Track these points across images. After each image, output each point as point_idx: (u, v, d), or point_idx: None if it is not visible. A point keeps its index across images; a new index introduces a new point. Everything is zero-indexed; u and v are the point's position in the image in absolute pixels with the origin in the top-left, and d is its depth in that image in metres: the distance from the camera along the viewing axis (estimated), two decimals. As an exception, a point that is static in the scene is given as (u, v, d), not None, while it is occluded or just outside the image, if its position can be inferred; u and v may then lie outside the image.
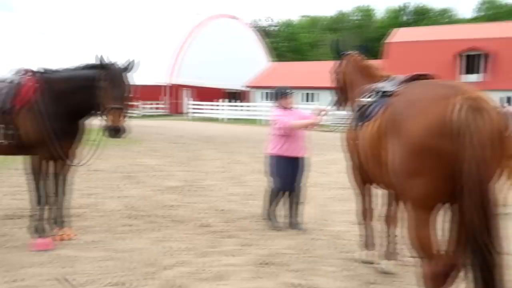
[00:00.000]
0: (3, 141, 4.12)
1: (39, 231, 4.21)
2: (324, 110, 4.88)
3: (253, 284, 3.53)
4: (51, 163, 4.33)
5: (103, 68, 3.96)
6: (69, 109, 4.11)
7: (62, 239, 4.39)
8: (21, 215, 5.26)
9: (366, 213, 3.96)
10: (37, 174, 4.18)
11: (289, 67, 36.82)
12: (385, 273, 3.71)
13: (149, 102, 32.65)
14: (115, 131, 3.90)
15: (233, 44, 39.09)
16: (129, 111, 4.16)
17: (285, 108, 5.02)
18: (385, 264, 3.76)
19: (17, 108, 4.10)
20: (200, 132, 17.84)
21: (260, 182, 7.43)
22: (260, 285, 3.52)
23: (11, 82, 4.18)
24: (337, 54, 4.34)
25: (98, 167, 8.66)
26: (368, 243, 3.98)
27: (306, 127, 4.96)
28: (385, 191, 3.70)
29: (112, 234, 4.68)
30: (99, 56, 3.99)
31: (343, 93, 4.28)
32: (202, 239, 4.57)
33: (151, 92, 33.53)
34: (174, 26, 37.48)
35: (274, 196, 5.01)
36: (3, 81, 4.29)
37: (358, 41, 35.44)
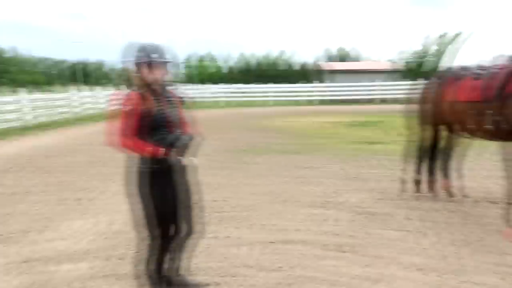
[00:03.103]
0: (491, 127, 4.19)
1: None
2: None
3: None
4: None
5: None
6: None
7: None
8: (503, 201, 5.27)
9: None
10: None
11: None
12: None
13: None
14: None
15: None
16: None
17: None
18: None
19: (507, 94, 4.04)
20: None
21: None
22: None
23: (506, 67, 4.15)
24: None
25: None
26: None
27: None
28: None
29: None
30: None
31: None
32: None
33: None
34: None
35: None
36: (496, 67, 4.35)
37: None
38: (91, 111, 18.42)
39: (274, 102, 26.48)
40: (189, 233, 2.97)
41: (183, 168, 2.82)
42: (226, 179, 6.73)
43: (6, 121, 13.06)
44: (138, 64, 2.63)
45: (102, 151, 9.46)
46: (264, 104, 25.76)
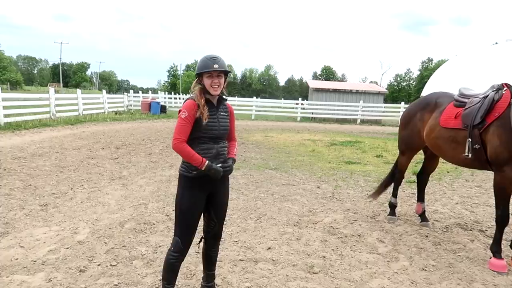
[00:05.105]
0: (469, 154, 4.23)
1: (494, 251, 4.07)
2: None
3: None
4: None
5: None
6: None
7: (518, 267, 4.05)
8: (472, 227, 5.32)
9: None
10: (502, 192, 4.02)
11: None
12: None
13: None
14: None
15: None
16: None
17: None
18: None
19: (486, 124, 4.09)
20: None
21: None
22: None
23: (486, 97, 4.22)
24: None
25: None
26: None
27: None
28: None
29: None
30: None
31: None
32: None
33: None
34: None
35: None
36: (477, 96, 4.42)
37: None
38: (68, 114, 17.97)
39: (256, 116, 26.49)
40: (219, 237, 3.16)
41: (220, 178, 2.93)
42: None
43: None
44: (200, 74, 2.79)
45: (74, 155, 9.20)
46: (246, 117, 25.74)
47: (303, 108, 28.47)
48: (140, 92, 33.89)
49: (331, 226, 5.12)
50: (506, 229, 4.16)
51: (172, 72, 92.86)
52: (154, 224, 4.89)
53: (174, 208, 3.01)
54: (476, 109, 4.22)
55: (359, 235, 4.84)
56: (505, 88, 4.14)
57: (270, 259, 4.02)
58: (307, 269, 3.84)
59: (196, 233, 2.98)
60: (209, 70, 2.74)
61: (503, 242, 4.13)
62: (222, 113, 2.91)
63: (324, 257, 4.15)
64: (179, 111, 2.80)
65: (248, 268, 3.81)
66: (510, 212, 4.08)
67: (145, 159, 9.26)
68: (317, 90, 29.82)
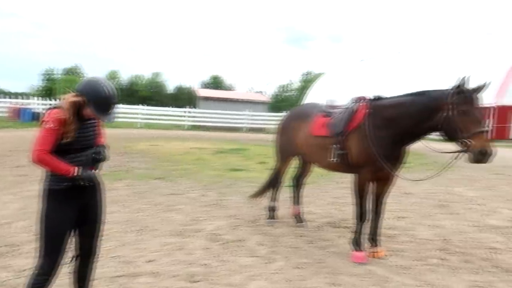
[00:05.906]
0: (335, 159, 4.75)
1: (356, 245, 4.61)
2: None
3: None
4: (372, 184, 4.67)
5: (458, 91, 3.85)
6: (397, 134, 4.30)
7: (373, 257, 4.64)
8: (340, 225, 5.94)
9: None
10: (360, 192, 4.59)
11: None
12: None
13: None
14: (483, 155, 3.75)
15: None
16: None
17: None
18: None
19: (348, 132, 4.65)
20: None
21: None
22: None
23: (348, 108, 4.79)
24: None
25: (410, 190, 8.66)
26: None
27: None
28: None
29: (422, 263, 4.52)
30: (461, 79, 3.85)
31: None
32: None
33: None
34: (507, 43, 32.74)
35: None
36: (341, 107, 5.00)
37: None
38: None
39: (142, 125, 25.58)
40: (93, 254, 2.97)
41: (93, 187, 2.83)
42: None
43: None
44: (89, 102, 2.63)
45: None
46: (132, 126, 24.67)
47: (191, 117, 28.42)
48: (8, 97, 30.17)
49: (214, 233, 5.21)
50: (365, 225, 4.72)
51: (47, 76, 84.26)
52: (18, 246, 4.40)
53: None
54: (339, 119, 4.77)
55: (240, 240, 5.02)
56: (362, 101, 4.75)
57: (150, 272, 3.93)
58: (188, 279, 3.85)
59: (68, 251, 2.78)
60: (105, 114, 2.70)
61: (363, 236, 4.69)
62: (90, 122, 2.80)
63: (206, 264, 4.21)
64: (43, 121, 2.62)
65: (126, 284, 3.67)
66: (367, 209, 4.67)
67: (11, 173, 8.26)
68: (206, 98, 30.10)
